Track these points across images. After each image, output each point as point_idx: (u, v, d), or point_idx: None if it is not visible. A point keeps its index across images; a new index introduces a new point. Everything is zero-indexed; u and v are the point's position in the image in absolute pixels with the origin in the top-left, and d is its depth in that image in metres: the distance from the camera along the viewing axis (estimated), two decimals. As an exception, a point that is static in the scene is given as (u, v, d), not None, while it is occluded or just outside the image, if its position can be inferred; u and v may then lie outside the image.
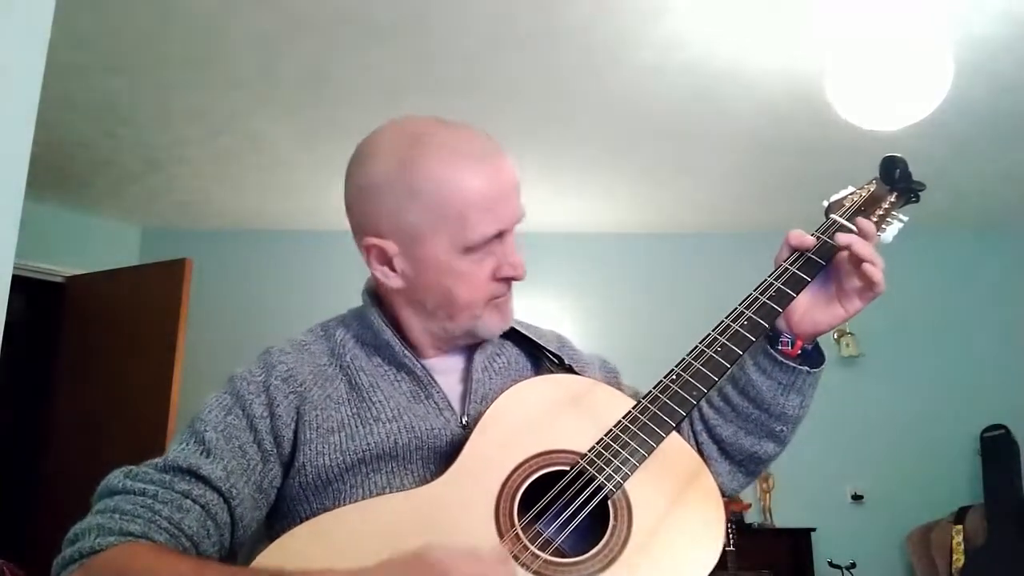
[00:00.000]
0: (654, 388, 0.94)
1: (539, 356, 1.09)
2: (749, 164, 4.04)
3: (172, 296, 4.04)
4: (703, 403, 1.05)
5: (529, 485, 0.87)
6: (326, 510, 0.88)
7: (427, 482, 0.89)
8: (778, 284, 1.00)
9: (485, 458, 0.90)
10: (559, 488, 0.86)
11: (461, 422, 0.98)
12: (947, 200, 4.28)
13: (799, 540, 4.26)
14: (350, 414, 0.95)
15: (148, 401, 3.89)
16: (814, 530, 4.27)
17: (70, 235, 4.56)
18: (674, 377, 0.95)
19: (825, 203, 1.09)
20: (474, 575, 0.70)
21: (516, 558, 0.80)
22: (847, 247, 0.97)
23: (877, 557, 4.37)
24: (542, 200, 4.39)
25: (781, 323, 1.02)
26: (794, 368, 1.01)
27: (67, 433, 4.13)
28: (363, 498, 0.90)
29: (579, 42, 3.01)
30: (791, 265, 1.01)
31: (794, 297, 0.99)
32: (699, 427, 1.07)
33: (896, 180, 1.09)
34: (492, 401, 0.96)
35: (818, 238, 1.02)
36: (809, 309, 1.02)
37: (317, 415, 0.94)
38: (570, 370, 1.06)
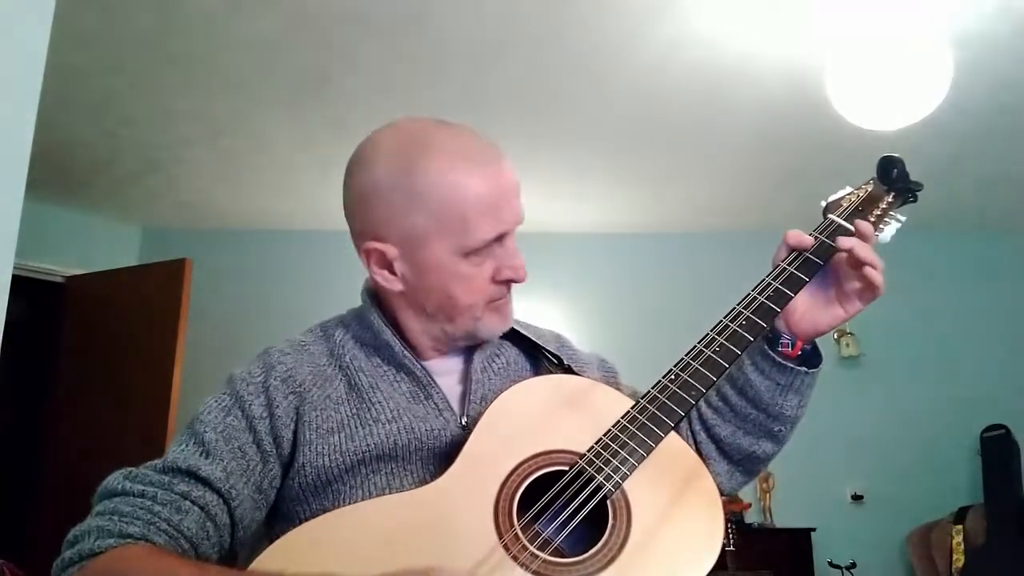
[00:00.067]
0: (653, 388, 0.95)
1: (538, 356, 1.09)
2: (750, 164, 4.04)
3: (172, 296, 4.04)
4: (701, 403, 1.05)
5: (528, 485, 0.87)
6: (326, 511, 0.88)
7: (427, 483, 0.89)
8: (776, 284, 1.00)
9: (484, 458, 0.90)
10: (558, 488, 0.86)
11: (461, 423, 0.98)
12: (947, 200, 4.28)
13: (799, 540, 4.26)
14: (350, 414, 0.95)
15: (148, 401, 3.89)
16: (814, 530, 4.27)
17: (70, 235, 4.56)
18: (673, 377, 0.95)
19: (823, 203, 1.09)
20: None
21: (515, 558, 0.80)
22: (849, 251, 0.97)
23: (877, 557, 4.37)
24: (542, 200, 4.39)
25: (781, 324, 1.02)
26: (792, 369, 1.01)
27: (67, 433, 4.13)
28: (363, 499, 0.91)
29: (579, 42, 3.01)
30: (789, 265, 1.01)
31: (792, 297, 0.99)
32: (697, 427, 1.07)
33: (894, 180, 1.09)
34: (491, 401, 0.96)
35: (816, 238, 1.02)
36: (808, 309, 1.02)
37: (316, 415, 0.94)
38: (569, 370, 1.06)
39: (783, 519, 4.42)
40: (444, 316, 0.98)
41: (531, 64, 3.17)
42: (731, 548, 3.57)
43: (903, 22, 2.83)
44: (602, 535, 0.83)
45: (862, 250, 0.97)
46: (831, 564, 4.12)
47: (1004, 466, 4.23)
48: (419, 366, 0.99)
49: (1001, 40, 2.95)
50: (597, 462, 0.88)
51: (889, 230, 1.06)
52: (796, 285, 1.00)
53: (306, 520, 0.88)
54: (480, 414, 0.95)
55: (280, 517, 0.95)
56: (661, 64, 3.14)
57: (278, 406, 0.94)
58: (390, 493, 0.91)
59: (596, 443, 0.90)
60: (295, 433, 0.94)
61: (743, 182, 4.27)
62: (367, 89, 3.34)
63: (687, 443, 1.00)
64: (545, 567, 0.80)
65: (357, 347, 1.01)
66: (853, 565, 4.10)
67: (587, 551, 0.82)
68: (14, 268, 1.72)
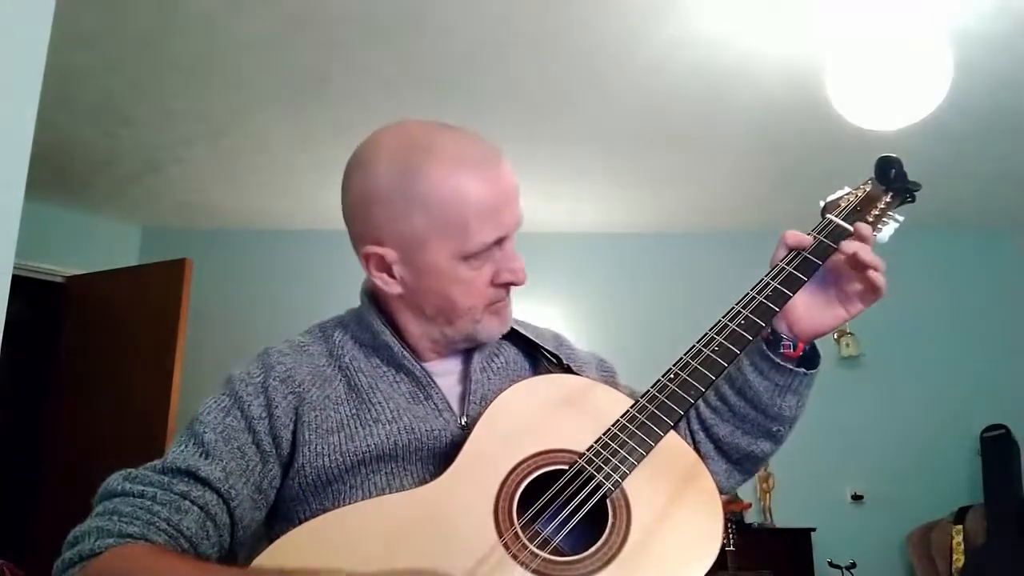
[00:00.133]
0: (652, 387, 0.95)
1: (537, 356, 1.09)
2: (750, 164, 4.04)
3: (172, 296, 4.04)
4: (700, 403, 1.05)
5: (528, 484, 0.87)
6: (326, 511, 0.88)
7: (426, 483, 0.89)
8: (775, 284, 1.00)
9: (484, 458, 0.90)
10: (558, 487, 0.86)
11: (460, 423, 0.98)
12: (947, 200, 4.28)
13: (799, 540, 4.26)
14: (349, 415, 0.95)
15: (148, 401, 3.89)
16: (814, 530, 4.27)
17: (70, 235, 4.56)
18: (672, 376, 0.95)
19: (821, 203, 1.09)
20: None
21: (515, 557, 0.80)
22: (853, 255, 0.98)
23: (877, 557, 4.36)
24: (541, 200, 4.40)
25: (782, 326, 1.02)
26: (791, 370, 1.02)
27: (67, 433, 4.14)
28: (363, 499, 0.91)
29: (579, 42, 3.01)
30: (788, 265, 1.02)
31: (791, 296, 0.99)
32: (696, 426, 1.08)
33: (892, 180, 1.09)
34: (491, 401, 0.96)
35: (815, 238, 1.02)
36: (809, 310, 1.02)
37: (316, 416, 0.95)
38: (568, 370, 1.06)
39: (783, 519, 4.42)
40: (443, 319, 0.98)
41: (531, 64, 3.17)
42: (731, 548, 3.57)
43: (903, 22, 2.83)
44: (602, 534, 0.83)
45: (866, 254, 0.97)
46: (831, 564, 4.12)
47: (1004, 466, 4.23)
48: (418, 367, 0.99)
49: (1000, 40, 2.95)
50: (597, 461, 0.88)
51: (887, 230, 1.06)
52: (795, 284, 1.00)
53: (306, 520, 0.88)
54: (480, 414, 0.95)
55: (280, 517, 0.95)
56: (661, 64, 3.14)
57: (277, 406, 0.94)
58: (390, 493, 0.91)
59: (596, 442, 0.90)
60: (294, 433, 0.94)
61: (743, 182, 4.27)
62: (367, 89, 3.34)
63: (685, 442, 1.00)
64: (545, 566, 0.80)
65: (356, 348, 1.01)
66: (853, 565, 4.10)
67: (587, 550, 0.82)
68: (14, 268, 1.72)
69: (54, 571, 0.81)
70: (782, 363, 1.01)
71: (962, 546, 4.04)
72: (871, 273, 0.97)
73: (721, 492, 0.96)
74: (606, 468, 0.87)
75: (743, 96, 3.35)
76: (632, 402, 0.94)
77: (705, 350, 0.97)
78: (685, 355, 0.97)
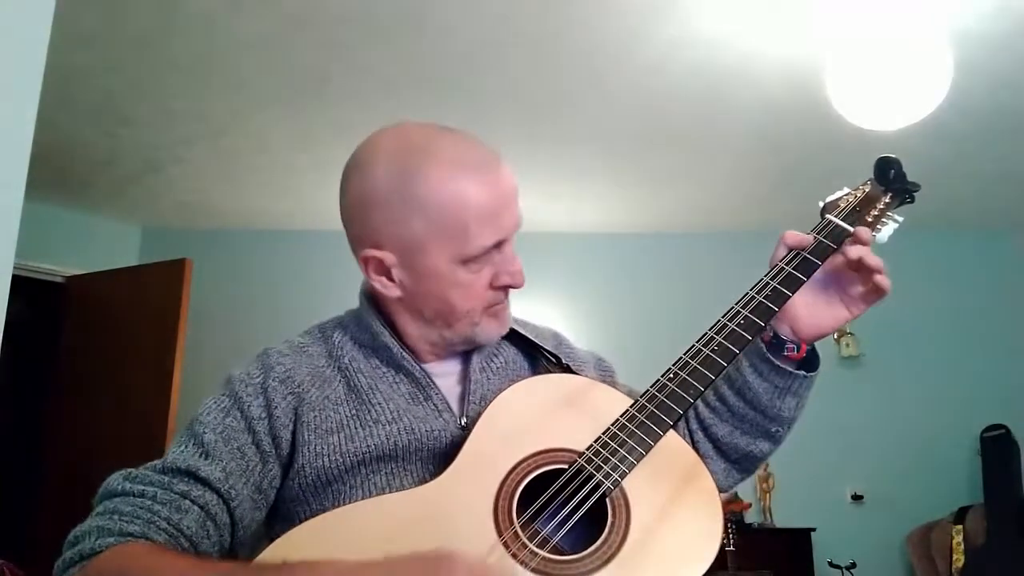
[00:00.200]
0: (651, 387, 0.95)
1: (536, 355, 1.09)
2: (750, 164, 4.04)
3: (172, 296, 4.04)
4: (699, 402, 1.06)
5: (528, 483, 0.87)
6: (326, 511, 0.88)
7: (426, 483, 0.89)
8: (774, 283, 1.00)
9: (484, 457, 0.90)
10: (557, 486, 0.86)
11: (460, 423, 0.98)
12: (947, 200, 4.28)
13: (799, 540, 4.26)
14: (349, 415, 0.95)
15: (148, 401, 3.89)
16: (814, 530, 4.27)
17: (70, 235, 4.56)
18: (671, 376, 0.95)
19: (821, 203, 1.10)
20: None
21: (515, 556, 0.80)
22: (859, 259, 0.98)
23: (877, 557, 4.36)
24: (541, 200, 4.40)
25: (784, 328, 1.02)
26: (791, 373, 1.02)
27: (67, 433, 4.14)
28: (363, 499, 0.91)
29: (579, 42, 3.01)
30: (787, 265, 1.02)
31: (790, 296, 0.99)
32: (695, 425, 1.08)
33: (891, 181, 1.10)
34: (490, 401, 0.96)
35: (815, 238, 1.03)
36: (810, 311, 1.02)
37: (315, 416, 0.95)
38: (568, 369, 1.06)
39: (783, 519, 4.42)
40: (442, 322, 0.98)
41: (531, 64, 3.17)
42: (731, 548, 3.57)
43: (903, 22, 2.83)
44: (601, 533, 0.83)
45: (871, 258, 0.98)
46: (831, 564, 4.12)
47: (1004, 466, 4.23)
48: (418, 367, 1.00)
49: (1000, 40, 2.95)
50: (596, 460, 0.88)
51: (886, 231, 1.06)
52: (794, 284, 1.00)
53: (306, 520, 0.88)
54: (479, 414, 0.95)
55: (280, 518, 0.96)
56: (661, 64, 3.14)
57: (276, 407, 0.94)
58: (390, 493, 0.91)
59: (595, 441, 0.90)
60: (294, 434, 0.94)
61: (743, 182, 4.27)
62: (367, 89, 3.34)
63: (684, 441, 1.00)
64: (544, 564, 0.80)
65: (356, 349, 1.01)
66: (853, 565, 4.10)
67: (586, 549, 0.82)
68: (14, 268, 1.72)
69: (55, 570, 0.81)
70: (782, 366, 1.01)
71: (962, 546, 4.04)
72: (877, 277, 0.98)
73: (720, 491, 0.96)
74: (606, 467, 0.87)
75: (743, 96, 3.35)
76: (631, 401, 0.94)
77: (705, 350, 0.97)
78: (685, 355, 0.97)
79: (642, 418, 0.91)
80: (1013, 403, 4.45)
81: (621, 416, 0.92)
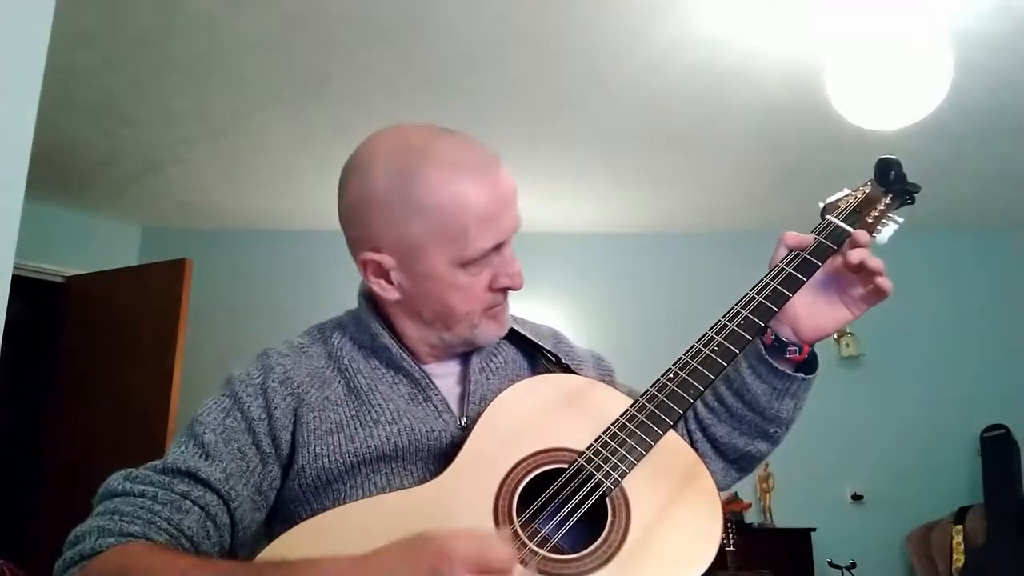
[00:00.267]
0: (651, 387, 0.95)
1: (536, 355, 1.09)
2: (750, 164, 4.04)
3: (172, 296, 4.04)
4: (698, 403, 1.06)
5: (528, 483, 0.87)
6: (326, 511, 0.88)
7: (427, 482, 0.89)
8: (774, 284, 1.00)
9: (484, 457, 0.90)
10: (557, 485, 0.86)
11: (460, 423, 0.98)
12: (947, 200, 4.28)
13: (799, 540, 4.26)
14: (349, 416, 0.95)
15: (148, 401, 3.89)
16: (814, 530, 4.27)
17: (70, 235, 4.56)
18: (671, 376, 0.95)
19: (821, 204, 1.10)
20: (474, 551, 0.68)
21: (514, 555, 0.80)
22: (860, 263, 0.98)
23: (877, 557, 4.36)
24: (541, 200, 4.40)
25: (785, 329, 1.03)
26: (789, 375, 1.02)
27: (67, 433, 4.14)
28: (363, 499, 0.91)
29: (579, 42, 3.01)
30: (787, 265, 1.02)
31: (790, 297, 0.99)
32: (693, 425, 1.08)
33: (891, 182, 1.10)
34: (490, 401, 0.96)
35: (815, 239, 1.03)
36: (811, 312, 1.02)
37: (315, 417, 0.95)
38: (567, 369, 1.06)
39: (783, 519, 4.42)
40: (441, 324, 0.98)
41: (531, 64, 3.17)
42: (731, 548, 3.57)
43: (903, 22, 2.83)
44: (601, 532, 0.83)
45: (872, 261, 0.98)
46: (831, 564, 4.12)
47: (1004, 466, 4.23)
48: (417, 368, 1.00)
49: (1000, 40, 2.95)
50: (596, 459, 0.88)
51: (886, 232, 1.06)
52: (794, 285, 1.00)
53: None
54: (479, 414, 0.95)
55: (280, 518, 0.96)
56: (661, 64, 3.14)
57: (276, 407, 0.94)
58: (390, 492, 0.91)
59: (595, 441, 0.90)
60: (293, 435, 0.94)
61: (743, 182, 4.27)
62: (367, 89, 3.34)
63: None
64: (544, 564, 0.80)
65: (355, 350, 1.01)
66: (853, 565, 4.10)
67: (586, 548, 0.82)
68: (14, 268, 1.72)
69: (55, 570, 0.81)
70: (780, 368, 1.02)
71: (962, 546, 4.04)
72: (878, 279, 0.98)
73: (718, 490, 0.96)
74: (605, 467, 0.87)
75: (743, 96, 3.35)
76: (631, 401, 0.95)
77: (705, 350, 0.97)
78: (685, 355, 0.97)
79: (642, 418, 0.91)
80: (1013, 403, 4.45)
81: (621, 416, 0.92)
